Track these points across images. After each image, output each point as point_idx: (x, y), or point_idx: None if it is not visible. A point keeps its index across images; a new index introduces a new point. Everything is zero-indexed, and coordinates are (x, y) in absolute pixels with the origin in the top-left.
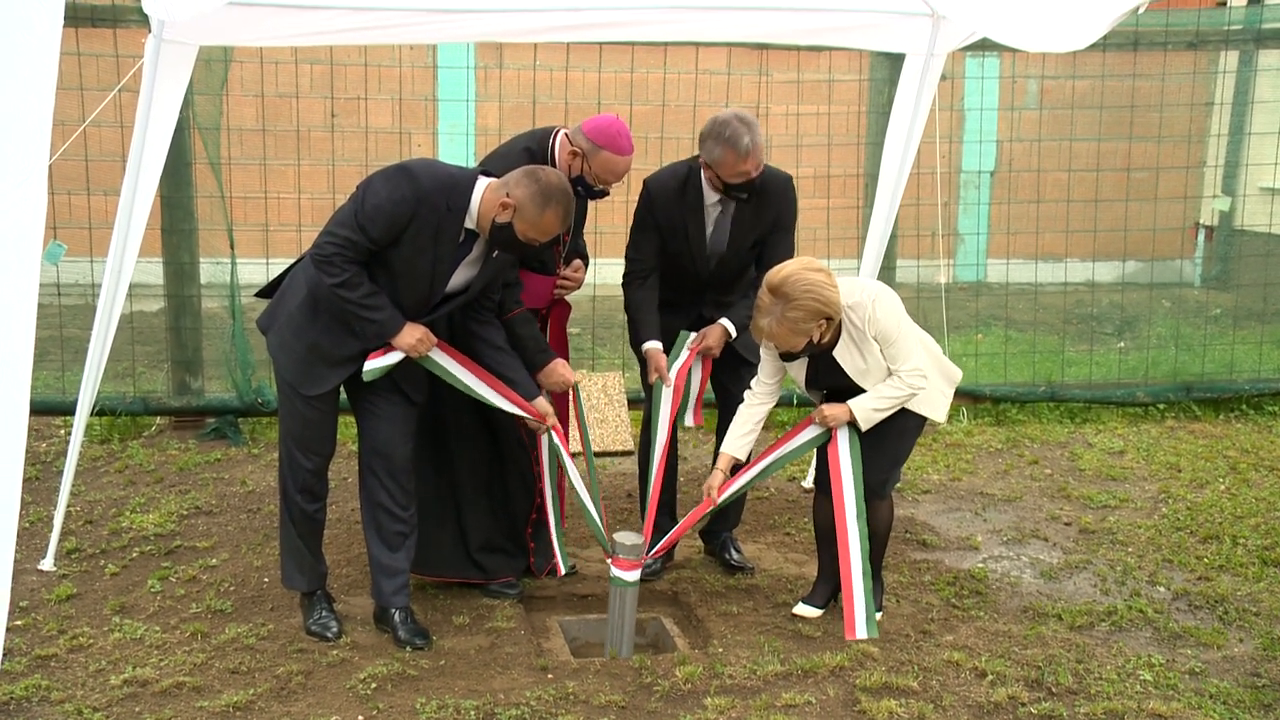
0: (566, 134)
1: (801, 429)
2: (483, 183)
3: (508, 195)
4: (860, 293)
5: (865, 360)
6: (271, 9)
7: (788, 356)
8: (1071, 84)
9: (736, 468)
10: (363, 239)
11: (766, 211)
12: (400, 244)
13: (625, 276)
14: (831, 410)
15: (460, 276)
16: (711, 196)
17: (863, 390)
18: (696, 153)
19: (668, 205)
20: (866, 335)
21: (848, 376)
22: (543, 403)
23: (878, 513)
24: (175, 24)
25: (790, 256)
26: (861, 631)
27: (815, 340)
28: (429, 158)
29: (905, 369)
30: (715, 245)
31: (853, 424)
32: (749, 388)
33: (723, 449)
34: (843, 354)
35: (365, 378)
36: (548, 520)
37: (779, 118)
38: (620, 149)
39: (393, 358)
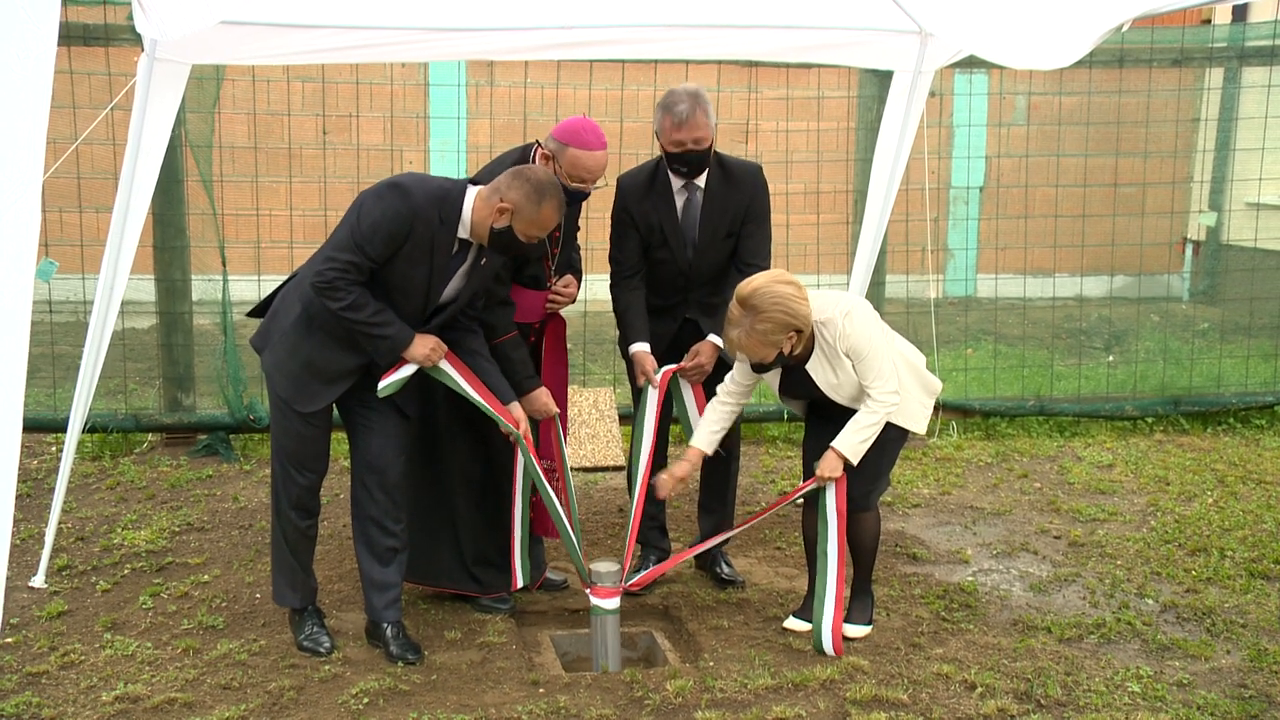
0: (539, 142)
1: (803, 488)
2: (472, 192)
3: (501, 200)
4: (832, 308)
5: (837, 375)
6: (264, 28)
7: (760, 368)
8: (1059, 100)
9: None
10: (363, 259)
11: (735, 198)
12: (396, 259)
13: (612, 278)
14: (826, 467)
15: (451, 287)
16: (677, 181)
17: (836, 402)
18: None
19: (638, 197)
20: (838, 351)
21: (817, 393)
22: (517, 408)
23: (864, 525)
24: (168, 43)
25: (766, 248)
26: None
27: (786, 352)
28: (417, 172)
29: (877, 389)
30: (688, 232)
31: (847, 464)
32: (724, 385)
33: (691, 443)
34: (815, 368)
35: (381, 394)
36: (513, 531)
37: (769, 134)
38: (586, 144)
39: (407, 371)
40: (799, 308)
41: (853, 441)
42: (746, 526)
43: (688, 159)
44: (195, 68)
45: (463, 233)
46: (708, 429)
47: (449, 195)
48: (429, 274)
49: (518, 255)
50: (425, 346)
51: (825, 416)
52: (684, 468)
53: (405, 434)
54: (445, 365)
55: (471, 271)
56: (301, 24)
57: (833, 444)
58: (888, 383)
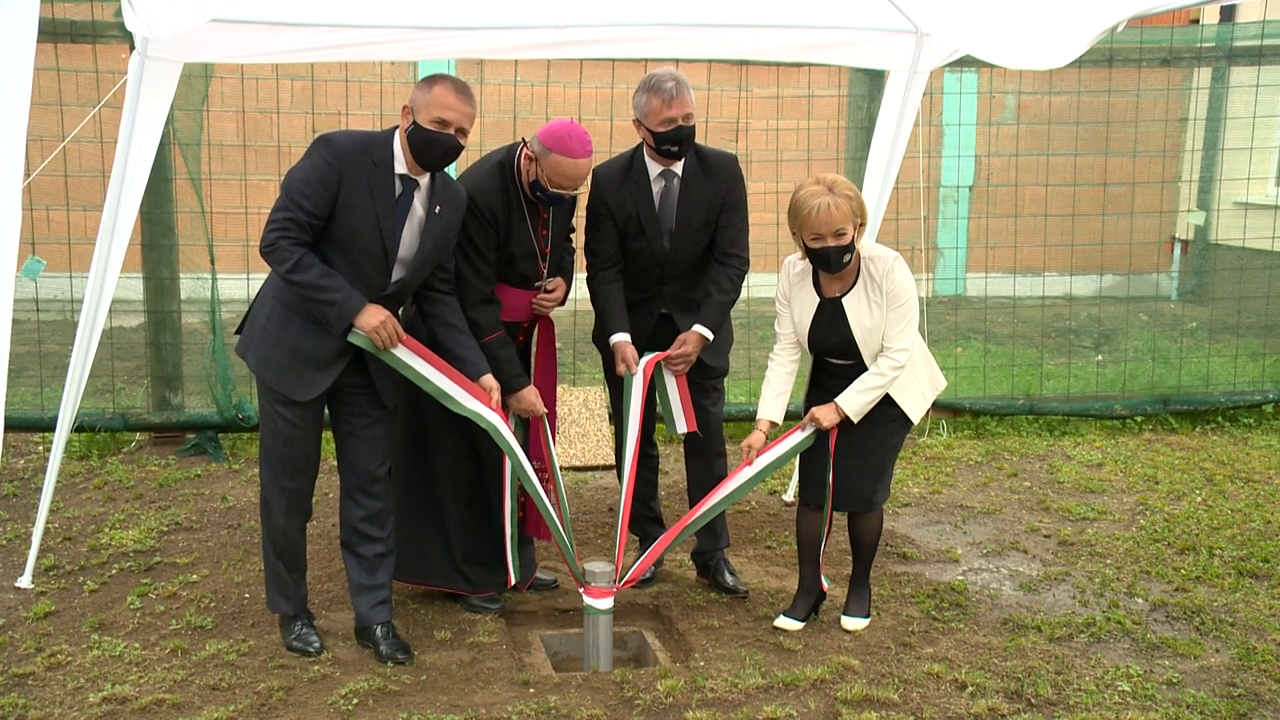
0: (525, 140)
1: (792, 433)
2: (398, 133)
3: (403, 108)
4: (883, 250)
5: (871, 317)
6: (255, 26)
7: (824, 264)
8: (1048, 99)
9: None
10: (299, 214)
11: (712, 186)
12: (339, 211)
13: (589, 270)
14: (821, 412)
15: (409, 236)
16: (654, 169)
17: (859, 354)
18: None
19: (615, 187)
20: (881, 287)
21: (846, 336)
22: (489, 379)
23: (868, 524)
24: (159, 41)
25: (745, 238)
26: None
27: (849, 241)
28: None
29: (897, 344)
30: (664, 221)
31: (845, 419)
32: (774, 351)
33: (759, 414)
34: (853, 304)
35: (351, 339)
36: (504, 529)
37: (759, 133)
38: (569, 151)
39: (360, 340)
40: (862, 203)
41: (858, 401)
42: (728, 482)
43: (680, 135)
44: (184, 65)
45: (400, 168)
46: (770, 395)
47: (377, 139)
48: (376, 219)
49: (441, 156)
50: (376, 317)
51: (828, 389)
52: (758, 438)
53: (391, 439)
54: (402, 353)
55: (427, 221)
56: (292, 22)
57: (837, 399)
58: (906, 341)
